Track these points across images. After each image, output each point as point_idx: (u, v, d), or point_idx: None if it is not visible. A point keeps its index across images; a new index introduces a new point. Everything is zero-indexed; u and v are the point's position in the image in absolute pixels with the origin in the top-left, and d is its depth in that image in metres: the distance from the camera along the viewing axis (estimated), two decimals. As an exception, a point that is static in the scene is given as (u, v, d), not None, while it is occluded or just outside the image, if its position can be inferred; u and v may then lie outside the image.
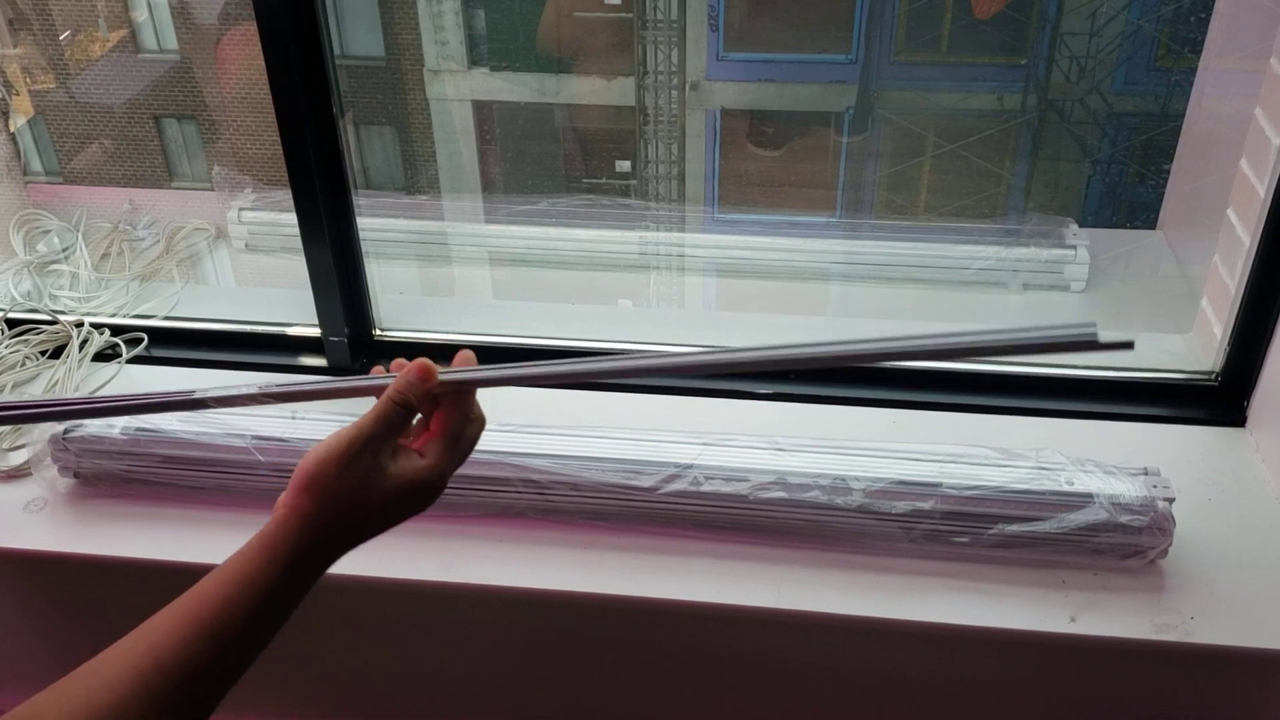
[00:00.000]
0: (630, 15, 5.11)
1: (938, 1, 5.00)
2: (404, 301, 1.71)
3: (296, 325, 1.55)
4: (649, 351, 0.76)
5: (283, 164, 1.37)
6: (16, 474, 1.34)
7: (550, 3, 5.28)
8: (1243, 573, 1.16)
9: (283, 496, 0.68)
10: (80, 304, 1.70)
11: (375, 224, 2.08)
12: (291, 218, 1.41)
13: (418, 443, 0.73)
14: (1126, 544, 1.14)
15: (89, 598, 1.37)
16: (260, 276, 2.03)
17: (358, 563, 1.20)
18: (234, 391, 0.78)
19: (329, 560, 0.69)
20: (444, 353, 1.59)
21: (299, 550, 0.67)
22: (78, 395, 0.82)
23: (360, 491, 0.68)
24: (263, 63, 1.29)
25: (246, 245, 2.03)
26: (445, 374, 0.74)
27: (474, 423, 0.74)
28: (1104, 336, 0.60)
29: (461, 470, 1.22)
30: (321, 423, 1.30)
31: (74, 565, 1.28)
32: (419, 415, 0.74)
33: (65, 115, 4.62)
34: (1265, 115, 1.33)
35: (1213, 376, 1.40)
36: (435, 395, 0.73)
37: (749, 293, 2.13)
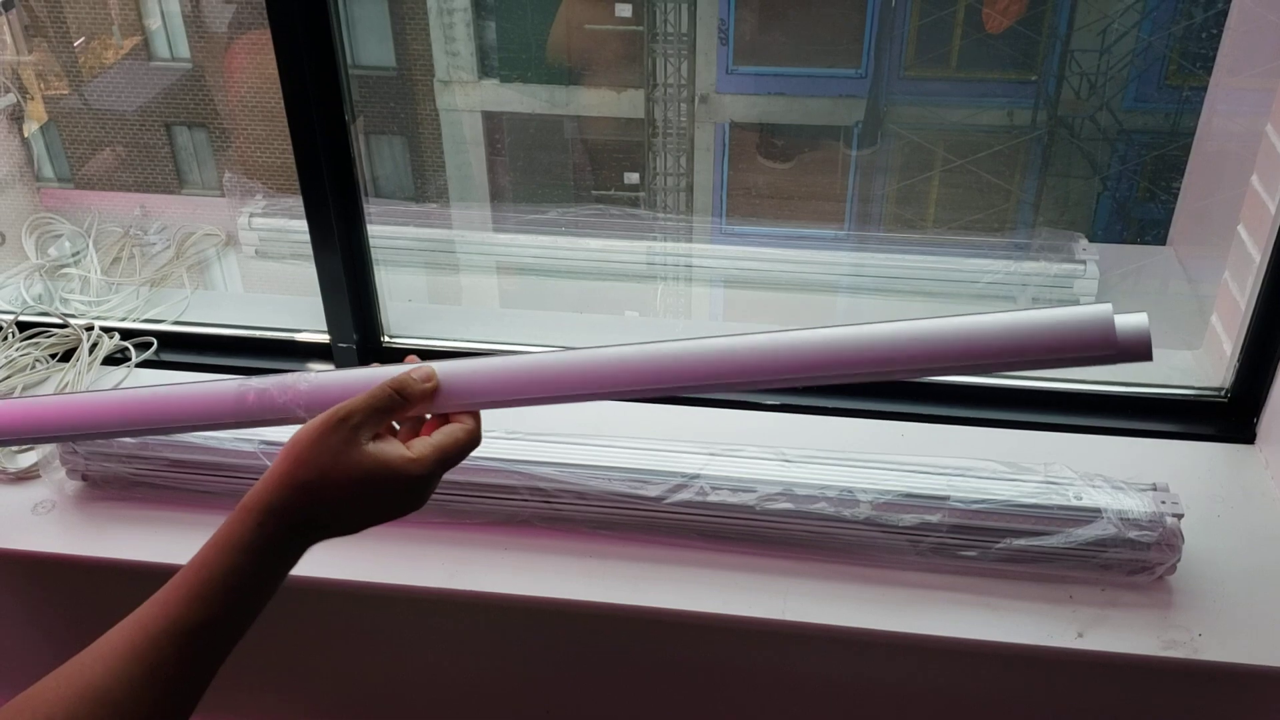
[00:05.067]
0: (640, 28, 5.13)
1: (948, 17, 5.01)
2: (412, 309, 1.72)
3: (305, 331, 1.55)
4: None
5: (290, 171, 1.37)
6: (25, 476, 1.35)
7: (561, 15, 5.30)
8: (1251, 590, 1.15)
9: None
10: (91, 308, 1.71)
11: (385, 232, 2.08)
12: (301, 224, 1.41)
13: (408, 438, 0.74)
14: (1134, 560, 1.14)
15: (96, 600, 1.37)
16: (270, 283, 2.04)
17: (364, 568, 1.20)
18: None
19: (305, 529, 0.69)
20: (450, 359, 1.58)
21: (273, 511, 0.67)
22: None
23: (334, 460, 0.69)
24: (270, 71, 1.30)
25: (256, 251, 2.03)
26: (446, 378, 0.75)
27: (469, 439, 0.75)
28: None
29: (468, 477, 1.23)
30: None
31: (81, 568, 1.28)
32: (413, 415, 0.75)
33: (78, 121, 4.64)
34: (1277, 132, 1.33)
35: (1222, 393, 1.40)
36: (433, 400, 0.75)
37: (756, 304, 2.13)
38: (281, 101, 1.31)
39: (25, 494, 1.33)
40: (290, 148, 1.35)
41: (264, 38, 1.29)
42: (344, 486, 0.69)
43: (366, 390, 0.72)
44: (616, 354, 0.74)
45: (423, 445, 0.72)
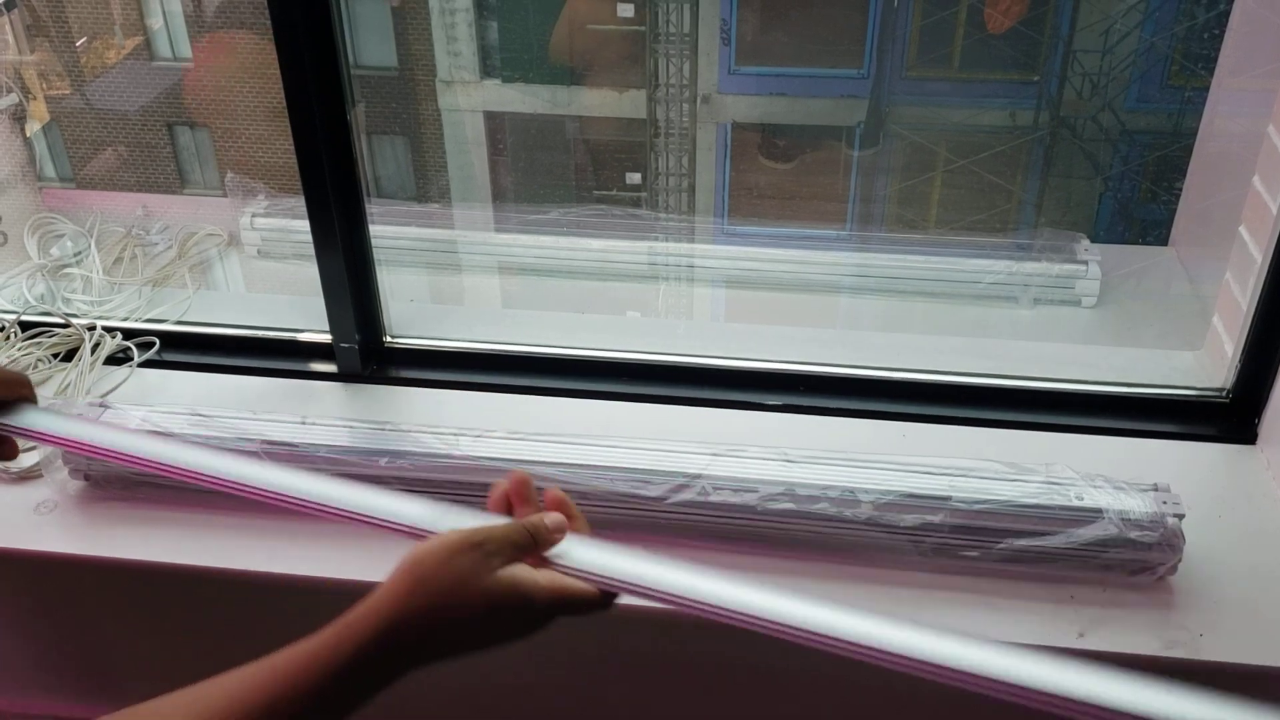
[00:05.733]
0: (643, 28, 5.12)
1: (950, 17, 5.00)
2: (414, 309, 1.72)
3: (307, 331, 1.55)
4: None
5: (292, 171, 1.37)
6: (27, 475, 1.35)
7: (564, 15, 5.30)
8: (1253, 590, 1.15)
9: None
10: (93, 308, 1.71)
11: (386, 232, 2.08)
12: (303, 224, 1.41)
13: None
14: (1136, 560, 1.14)
15: (98, 600, 1.37)
16: (271, 283, 2.04)
17: (366, 568, 1.20)
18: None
19: (410, 654, 0.66)
20: (452, 359, 1.59)
21: (384, 632, 0.64)
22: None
23: (462, 582, 0.66)
24: (271, 71, 1.30)
25: (259, 251, 2.04)
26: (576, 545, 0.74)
27: (594, 597, 0.74)
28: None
29: (470, 477, 1.23)
30: (332, 428, 1.30)
31: (83, 568, 1.28)
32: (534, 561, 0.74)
33: (80, 121, 4.65)
34: (1278, 133, 1.33)
35: (1224, 393, 1.40)
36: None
37: (758, 305, 2.13)
38: (274, 100, 1.32)
39: (27, 494, 1.33)
40: (292, 147, 1.36)
41: (261, 36, 1.29)
42: (466, 610, 0.66)
43: (502, 524, 0.71)
44: (730, 592, 0.75)
45: (551, 576, 0.71)
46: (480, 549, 0.67)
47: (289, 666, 0.63)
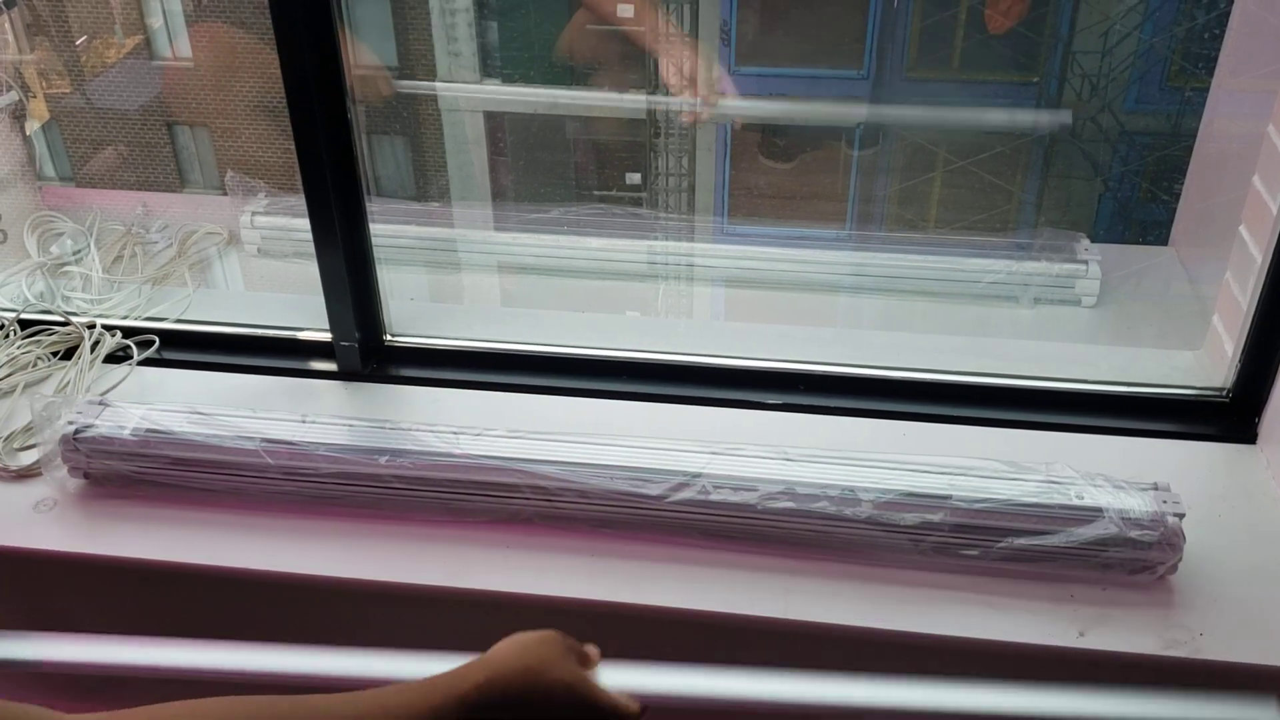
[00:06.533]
0: (643, 29, 5.12)
1: (950, 18, 5.01)
2: (414, 307, 1.72)
3: (307, 330, 1.55)
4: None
5: (291, 170, 1.37)
6: (27, 473, 1.35)
7: (568, 16, 5.30)
8: (1253, 590, 1.15)
9: None
10: (92, 306, 1.71)
11: (386, 230, 2.08)
12: (304, 223, 1.41)
13: None
14: (1136, 559, 1.14)
15: (97, 598, 1.37)
16: (271, 281, 2.04)
17: (366, 566, 1.20)
18: None
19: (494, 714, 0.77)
20: (452, 358, 1.59)
21: (485, 685, 0.78)
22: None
23: (556, 659, 0.83)
24: (272, 70, 1.30)
25: (259, 250, 2.03)
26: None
27: (636, 709, 0.87)
28: None
29: (470, 475, 1.23)
30: (332, 426, 1.30)
31: (83, 566, 1.28)
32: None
33: (79, 120, 4.64)
34: (1278, 133, 1.33)
35: (1223, 393, 1.40)
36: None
37: (758, 304, 2.12)
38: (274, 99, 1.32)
39: (26, 491, 1.33)
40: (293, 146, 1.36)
41: (261, 35, 1.29)
42: (551, 687, 0.81)
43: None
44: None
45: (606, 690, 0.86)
46: (565, 641, 0.85)
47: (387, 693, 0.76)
